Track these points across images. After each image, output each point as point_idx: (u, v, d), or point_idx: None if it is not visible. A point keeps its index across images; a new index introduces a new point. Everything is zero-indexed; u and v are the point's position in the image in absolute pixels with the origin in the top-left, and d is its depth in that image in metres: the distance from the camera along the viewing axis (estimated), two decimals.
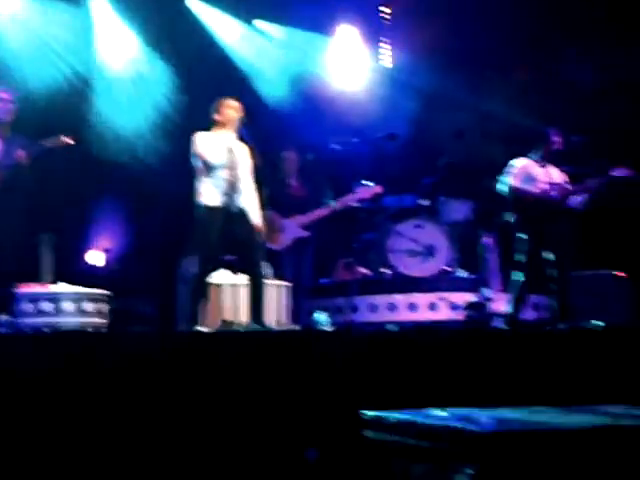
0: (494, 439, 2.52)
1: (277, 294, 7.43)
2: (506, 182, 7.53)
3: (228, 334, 6.32)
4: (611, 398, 3.61)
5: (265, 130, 7.75)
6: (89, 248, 9.58)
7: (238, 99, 6.82)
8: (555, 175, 7.57)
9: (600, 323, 6.95)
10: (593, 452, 2.63)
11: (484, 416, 2.88)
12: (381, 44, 10.35)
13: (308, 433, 4.78)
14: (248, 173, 6.77)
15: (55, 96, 8.79)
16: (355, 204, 8.52)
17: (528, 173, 7.52)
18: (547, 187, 7.47)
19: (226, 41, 10.01)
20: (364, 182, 8.38)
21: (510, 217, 7.58)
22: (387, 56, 10.34)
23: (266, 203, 6.83)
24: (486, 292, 8.04)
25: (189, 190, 6.74)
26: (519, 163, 7.58)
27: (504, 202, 7.63)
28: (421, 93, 9.71)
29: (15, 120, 7.37)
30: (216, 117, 6.74)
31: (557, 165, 7.61)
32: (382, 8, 10.31)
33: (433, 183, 9.15)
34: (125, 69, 9.58)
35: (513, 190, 7.48)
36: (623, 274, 8.67)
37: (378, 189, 8.41)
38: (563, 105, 9.06)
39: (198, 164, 6.65)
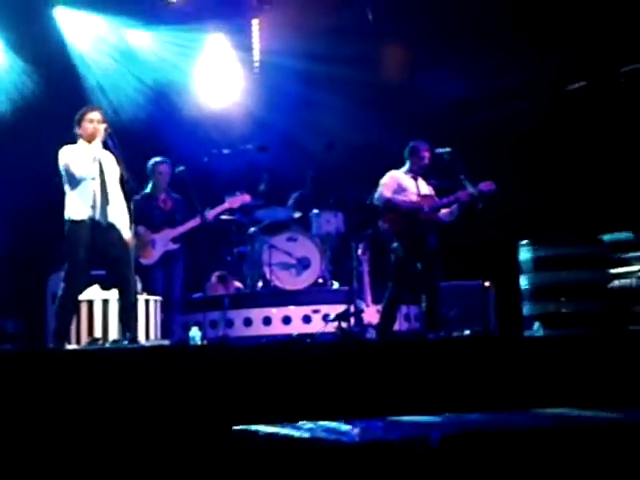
0: (358, 450, 2.54)
1: (147, 309, 7.33)
2: (378, 193, 7.63)
3: (97, 351, 6.19)
4: (478, 405, 3.69)
5: (134, 142, 7.64)
6: None
7: (99, 109, 6.71)
8: (424, 188, 7.72)
9: (468, 332, 7.12)
10: (459, 460, 2.68)
11: (350, 428, 2.90)
12: (252, 54, 10.36)
13: (179, 449, 4.71)
14: (116, 184, 6.65)
15: None
16: (226, 216, 8.50)
17: (399, 185, 7.65)
18: (417, 199, 7.61)
19: (86, 50, 9.79)
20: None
21: (381, 228, 7.69)
22: (257, 66, 10.36)
23: (134, 216, 6.70)
24: (359, 303, 8.12)
25: (58, 203, 6.58)
26: (391, 174, 7.70)
27: (376, 213, 7.73)
28: (290, 105, 9.77)
29: None
30: (78, 131, 6.60)
31: (426, 178, 7.78)
32: (253, 20, 10.32)
33: (303, 195, 9.22)
34: None
35: (385, 201, 7.59)
36: (490, 284, 8.91)
37: (246, 198, 8.42)
38: (426, 119, 9.27)
39: (64, 177, 6.50)
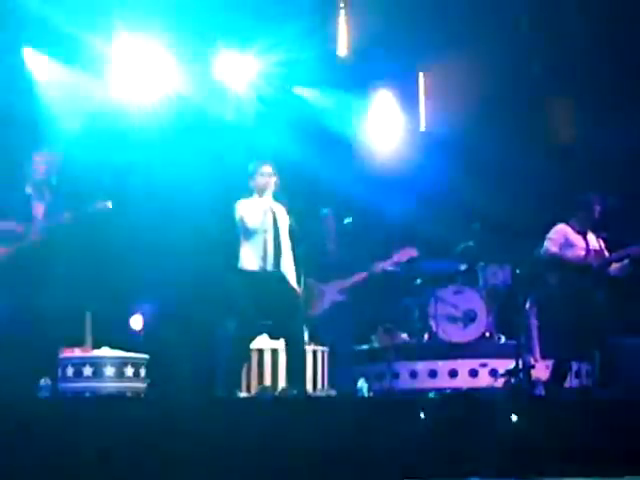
0: None
1: (315, 359, 7.42)
2: (545, 247, 7.51)
3: (266, 399, 6.32)
4: None
5: (301, 193, 7.80)
6: (131, 312, 9.63)
7: (270, 163, 6.91)
8: (593, 242, 7.53)
9: None
10: None
11: None
12: (416, 108, 10.45)
13: None
14: (286, 236, 6.83)
15: None
16: (392, 268, 8.54)
17: (567, 239, 7.49)
18: (585, 254, 7.43)
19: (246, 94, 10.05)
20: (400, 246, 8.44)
21: (549, 283, 7.55)
22: (422, 120, 10.43)
23: (302, 267, 6.85)
24: (527, 358, 7.96)
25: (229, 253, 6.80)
26: (558, 229, 7.56)
27: (543, 267, 7.61)
28: (456, 156, 9.76)
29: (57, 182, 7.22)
30: (251, 184, 6.84)
31: (595, 231, 7.59)
32: (419, 74, 10.42)
33: (469, 247, 9.17)
34: None
35: (551, 256, 7.46)
36: None
37: (413, 252, 8.45)
38: (598, 169, 9.08)
39: (238, 230, 6.73)
